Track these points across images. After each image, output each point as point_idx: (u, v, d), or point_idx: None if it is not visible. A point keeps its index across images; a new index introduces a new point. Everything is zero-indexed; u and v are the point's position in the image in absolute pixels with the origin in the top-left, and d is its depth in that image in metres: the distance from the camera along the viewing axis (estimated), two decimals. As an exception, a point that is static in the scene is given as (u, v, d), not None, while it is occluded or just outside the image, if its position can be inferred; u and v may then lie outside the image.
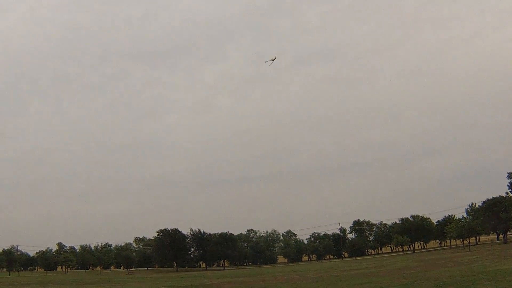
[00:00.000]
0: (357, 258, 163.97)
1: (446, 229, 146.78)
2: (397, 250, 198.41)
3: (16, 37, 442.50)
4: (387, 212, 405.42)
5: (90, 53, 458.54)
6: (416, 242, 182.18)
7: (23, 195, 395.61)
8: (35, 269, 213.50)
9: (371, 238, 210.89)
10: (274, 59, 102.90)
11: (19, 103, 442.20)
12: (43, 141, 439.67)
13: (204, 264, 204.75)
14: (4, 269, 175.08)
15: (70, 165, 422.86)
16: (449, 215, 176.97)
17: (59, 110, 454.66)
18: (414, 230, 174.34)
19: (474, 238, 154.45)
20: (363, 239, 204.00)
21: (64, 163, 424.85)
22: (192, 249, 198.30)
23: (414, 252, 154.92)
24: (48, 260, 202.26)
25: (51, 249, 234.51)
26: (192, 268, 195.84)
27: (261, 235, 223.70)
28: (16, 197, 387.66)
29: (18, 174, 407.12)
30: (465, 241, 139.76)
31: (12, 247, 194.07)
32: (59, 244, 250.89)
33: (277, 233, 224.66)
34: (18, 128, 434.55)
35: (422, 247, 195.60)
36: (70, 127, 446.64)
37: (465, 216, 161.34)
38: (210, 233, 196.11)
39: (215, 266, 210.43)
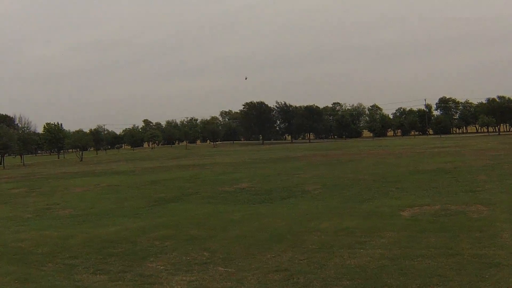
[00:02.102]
0: (442, 136, 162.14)
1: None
2: (482, 130, 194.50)
3: None
4: (474, 91, 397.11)
5: None
6: (501, 124, 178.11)
7: (108, 76, 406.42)
8: (122, 146, 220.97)
9: (457, 116, 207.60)
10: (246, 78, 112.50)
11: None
12: (126, 24, 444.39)
13: (289, 137, 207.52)
14: (92, 149, 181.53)
15: (151, 46, 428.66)
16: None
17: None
18: (500, 112, 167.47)
19: None
20: (449, 117, 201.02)
21: (146, 44, 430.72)
22: (278, 122, 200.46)
23: (499, 134, 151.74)
24: (135, 137, 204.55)
25: (138, 126, 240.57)
26: (278, 141, 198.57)
27: (346, 108, 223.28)
28: (102, 79, 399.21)
29: (102, 56, 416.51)
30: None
31: (99, 127, 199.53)
32: (145, 121, 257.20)
33: (362, 106, 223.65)
34: (99, 14, 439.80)
35: (508, 130, 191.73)
36: (148, 11, 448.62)
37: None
38: (296, 106, 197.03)
39: (300, 139, 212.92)
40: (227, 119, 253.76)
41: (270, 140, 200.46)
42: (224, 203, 23.73)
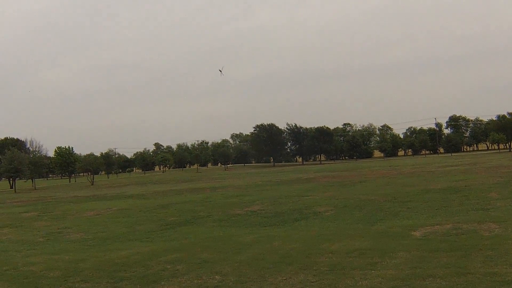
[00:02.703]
0: (453, 154, 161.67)
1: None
2: (492, 148, 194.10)
3: None
4: (484, 108, 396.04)
5: None
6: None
7: (119, 100, 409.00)
8: (133, 170, 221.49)
9: (467, 134, 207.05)
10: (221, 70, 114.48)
11: (109, 16, 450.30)
12: (136, 48, 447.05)
13: (300, 158, 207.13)
14: (103, 172, 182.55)
15: (162, 69, 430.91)
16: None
17: (149, 17, 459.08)
18: (511, 128, 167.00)
19: None
20: (459, 135, 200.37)
21: (156, 67, 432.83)
22: (289, 144, 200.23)
23: (510, 151, 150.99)
24: (146, 161, 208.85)
25: (149, 150, 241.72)
26: (289, 163, 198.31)
27: (357, 129, 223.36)
28: (112, 102, 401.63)
29: (112, 80, 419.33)
30: None
31: (110, 150, 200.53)
32: (156, 144, 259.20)
33: (373, 127, 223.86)
34: (108, 38, 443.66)
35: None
36: (160, 34, 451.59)
37: None
38: (306, 128, 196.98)
39: (311, 160, 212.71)
40: (238, 142, 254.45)
41: (281, 162, 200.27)
42: (235, 226, 23.75)
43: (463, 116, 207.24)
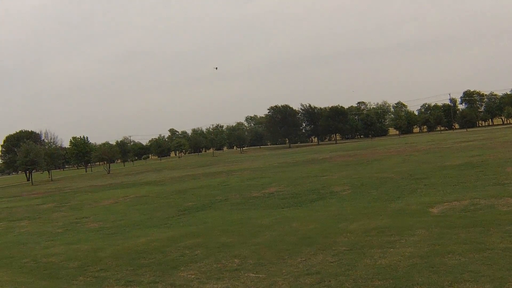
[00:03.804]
0: (468, 129, 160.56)
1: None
2: (508, 122, 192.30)
3: None
4: (498, 83, 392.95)
5: None
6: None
7: (132, 88, 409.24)
8: (148, 157, 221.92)
9: (482, 109, 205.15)
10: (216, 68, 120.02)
11: (120, 5, 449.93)
12: (147, 35, 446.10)
13: (315, 139, 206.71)
14: (119, 160, 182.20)
15: (175, 55, 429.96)
16: None
17: (160, 3, 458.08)
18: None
19: None
20: (474, 110, 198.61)
21: (168, 54, 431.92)
22: (304, 125, 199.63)
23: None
24: (161, 147, 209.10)
25: (164, 136, 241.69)
26: (304, 144, 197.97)
27: (371, 107, 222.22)
28: (125, 90, 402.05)
29: (125, 68, 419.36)
30: None
31: (125, 138, 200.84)
32: (171, 130, 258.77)
33: (387, 104, 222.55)
34: (120, 26, 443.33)
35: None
36: (170, 19, 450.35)
37: None
38: (320, 108, 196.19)
39: (326, 140, 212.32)
40: (252, 124, 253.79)
41: (296, 143, 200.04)
42: (253, 208, 23.72)
43: (478, 91, 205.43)
